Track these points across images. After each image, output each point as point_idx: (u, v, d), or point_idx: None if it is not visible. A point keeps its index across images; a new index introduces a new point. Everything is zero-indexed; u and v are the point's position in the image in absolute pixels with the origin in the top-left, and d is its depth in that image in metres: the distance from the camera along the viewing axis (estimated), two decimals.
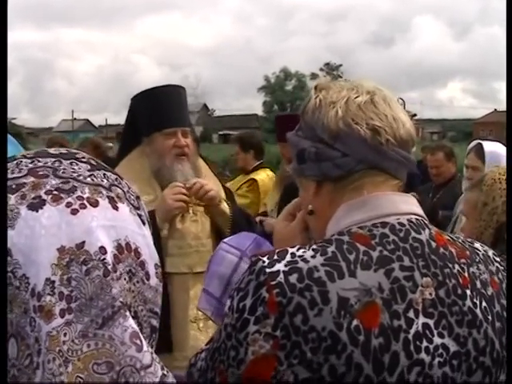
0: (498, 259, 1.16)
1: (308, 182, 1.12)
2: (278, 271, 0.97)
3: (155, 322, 0.84)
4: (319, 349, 0.93)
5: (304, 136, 1.11)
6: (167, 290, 2.50)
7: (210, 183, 2.64)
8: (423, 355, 0.96)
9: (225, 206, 2.66)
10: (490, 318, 1.04)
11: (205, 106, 70.67)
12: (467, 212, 2.14)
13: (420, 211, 1.09)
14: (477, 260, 1.10)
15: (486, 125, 63.70)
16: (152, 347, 0.83)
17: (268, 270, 0.97)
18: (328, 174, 1.08)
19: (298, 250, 1.01)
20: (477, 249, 1.14)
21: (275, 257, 1.00)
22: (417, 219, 1.07)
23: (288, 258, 0.99)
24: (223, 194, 2.77)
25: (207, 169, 2.84)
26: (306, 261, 0.98)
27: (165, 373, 0.77)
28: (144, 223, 0.85)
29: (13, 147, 1.35)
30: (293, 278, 0.96)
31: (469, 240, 1.16)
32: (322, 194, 1.11)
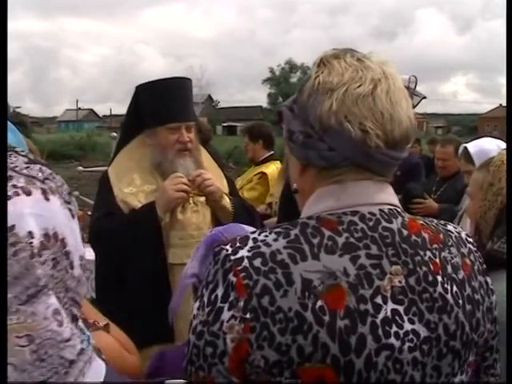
0: (470, 240, 1.16)
1: (295, 160, 1.12)
2: (242, 257, 0.99)
3: (76, 311, 0.89)
4: (287, 329, 0.95)
5: (297, 114, 1.08)
6: (168, 279, 2.52)
7: (212, 177, 2.63)
8: (392, 340, 0.98)
9: (226, 201, 2.65)
10: (460, 301, 1.05)
11: (209, 97, 70.58)
12: (473, 192, 2.13)
13: (394, 200, 1.09)
14: (449, 243, 1.10)
15: (491, 120, 63.55)
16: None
17: (232, 257, 0.99)
18: (312, 162, 1.07)
19: (259, 234, 1.03)
20: (450, 231, 1.13)
21: (238, 244, 1.01)
22: (389, 209, 1.06)
23: (250, 243, 1.01)
24: (226, 186, 2.77)
25: (210, 161, 2.82)
26: (268, 245, 1.00)
27: (83, 347, 0.84)
28: (73, 217, 0.91)
29: (12, 134, 1.35)
30: (257, 262, 0.98)
31: (442, 222, 1.16)
32: (306, 176, 1.10)
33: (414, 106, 4.81)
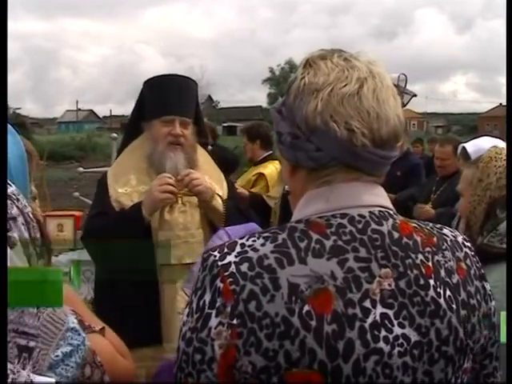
0: (467, 244, 1.14)
1: (286, 162, 1.11)
2: (230, 263, 0.99)
3: (25, 342, 0.86)
4: (273, 335, 0.94)
5: (285, 116, 1.08)
6: (156, 280, 2.52)
7: (205, 177, 2.61)
8: (382, 344, 0.96)
9: (218, 203, 2.61)
10: (454, 306, 1.03)
11: (209, 97, 70.49)
12: (463, 189, 2.16)
13: (386, 202, 1.07)
14: (443, 247, 1.08)
15: (491, 119, 63.52)
16: (25, 366, 0.86)
17: (220, 263, 0.99)
18: (301, 164, 1.06)
19: (247, 239, 1.02)
20: (445, 235, 1.11)
21: (225, 250, 1.01)
22: (380, 211, 1.05)
23: (238, 249, 1.01)
24: (225, 189, 2.74)
25: (208, 162, 2.80)
26: (255, 250, 0.99)
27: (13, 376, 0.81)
28: (11, 246, 0.87)
29: (11, 136, 1.36)
30: (244, 267, 0.98)
31: (438, 226, 1.14)
32: (296, 177, 1.10)
33: (405, 105, 4.80)
